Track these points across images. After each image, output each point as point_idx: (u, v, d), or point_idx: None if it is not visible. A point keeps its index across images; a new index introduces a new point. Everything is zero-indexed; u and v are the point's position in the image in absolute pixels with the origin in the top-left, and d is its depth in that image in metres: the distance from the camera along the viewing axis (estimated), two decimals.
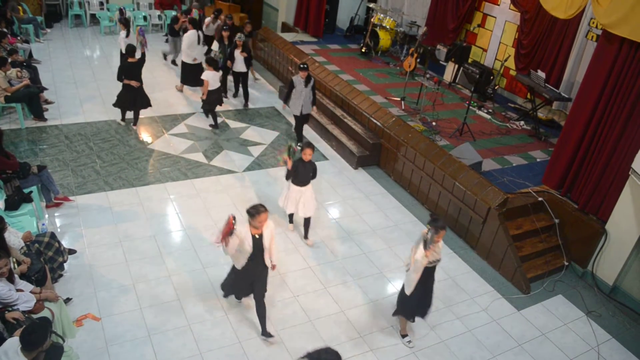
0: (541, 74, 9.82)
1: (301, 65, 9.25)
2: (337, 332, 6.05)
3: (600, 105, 7.33)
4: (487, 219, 7.55)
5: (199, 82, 10.40)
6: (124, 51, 9.80)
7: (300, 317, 6.20)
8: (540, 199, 7.89)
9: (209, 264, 6.79)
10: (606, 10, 6.93)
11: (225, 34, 11.20)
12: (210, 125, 10.45)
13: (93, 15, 15.69)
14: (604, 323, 6.85)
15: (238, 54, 11.02)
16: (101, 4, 15.67)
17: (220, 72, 10.53)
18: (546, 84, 9.78)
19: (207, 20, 12.86)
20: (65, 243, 6.62)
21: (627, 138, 6.99)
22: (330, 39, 14.78)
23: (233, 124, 10.71)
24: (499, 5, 11.88)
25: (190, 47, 11.22)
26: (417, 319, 6.01)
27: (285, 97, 9.64)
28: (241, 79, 11.51)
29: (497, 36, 12.01)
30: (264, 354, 5.63)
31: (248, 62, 11.25)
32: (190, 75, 11.37)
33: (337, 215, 8.23)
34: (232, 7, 15.08)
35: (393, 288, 6.89)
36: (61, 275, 6.21)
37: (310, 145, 6.94)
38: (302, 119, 9.78)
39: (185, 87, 11.85)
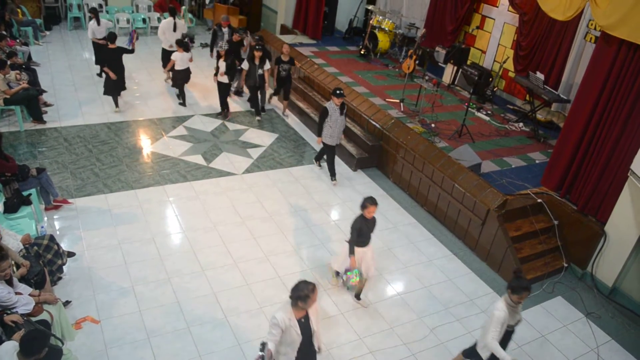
0: (540, 75, 9.83)
1: (337, 92, 8.38)
2: (336, 334, 6.05)
3: (599, 107, 7.34)
4: (487, 221, 7.55)
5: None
6: (91, 37, 11.62)
7: None
8: (539, 200, 7.89)
9: (208, 266, 6.79)
10: (605, 11, 6.94)
11: (257, 53, 10.39)
12: (180, 104, 11.43)
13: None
14: (604, 324, 6.85)
15: (221, 63, 10.47)
16: (100, 6, 15.64)
17: (190, 55, 11.21)
18: (545, 86, 9.79)
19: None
20: (65, 246, 6.61)
21: (626, 139, 7.00)
22: (329, 41, 14.79)
23: (232, 126, 10.72)
24: (497, 7, 11.90)
25: (164, 34, 11.90)
26: None
27: (319, 128, 8.74)
28: (222, 90, 10.78)
29: (495, 38, 12.02)
30: None
31: (230, 72, 10.53)
32: (168, 60, 11.78)
33: (336, 217, 8.23)
34: (231, 9, 15.08)
35: (392, 290, 6.89)
36: (60, 278, 6.20)
37: (374, 202, 5.97)
38: (334, 150, 9.01)
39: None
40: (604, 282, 7.38)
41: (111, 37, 10.15)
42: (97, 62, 10.39)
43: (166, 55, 11.91)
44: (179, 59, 10.87)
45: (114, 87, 10.43)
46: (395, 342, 6.08)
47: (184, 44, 11.01)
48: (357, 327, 6.20)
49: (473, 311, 6.74)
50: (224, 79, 10.60)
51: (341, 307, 6.46)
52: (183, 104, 11.36)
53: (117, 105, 10.62)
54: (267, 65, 10.56)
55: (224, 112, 11.04)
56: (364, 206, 5.99)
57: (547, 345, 6.39)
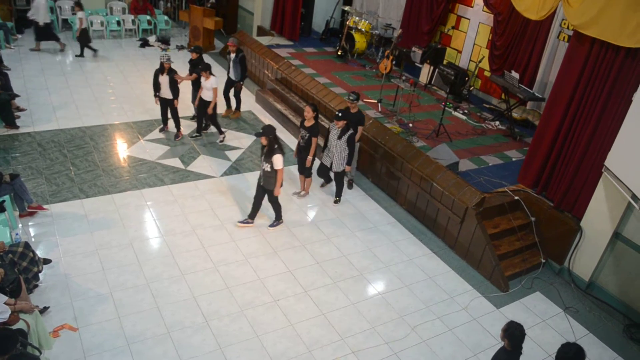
0: (515, 74, 9.96)
1: (337, 113, 7.95)
2: (319, 335, 6.04)
3: (573, 105, 7.46)
4: (465, 219, 7.61)
5: (52, 38, 13.61)
6: None
7: (281, 321, 6.17)
8: (516, 197, 7.98)
9: (187, 270, 6.72)
10: (577, 11, 7.06)
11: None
12: (77, 55, 13.64)
13: (65, 20, 15.45)
14: (582, 318, 6.96)
15: (162, 78, 9.46)
16: (73, 8, 15.41)
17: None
18: (520, 84, 9.92)
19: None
20: (40, 253, 6.49)
21: (600, 136, 7.12)
22: (306, 42, 14.79)
23: (210, 128, 10.63)
24: (472, 7, 12.02)
25: (39, 11, 13.10)
26: None
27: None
28: (168, 106, 9.83)
29: (471, 38, 12.14)
30: None
31: (175, 87, 9.56)
32: (43, 33, 13.47)
33: (316, 219, 8.22)
34: (207, 11, 14.96)
35: (373, 289, 6.90)
36: (36, 286, 6.08)
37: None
38: (327, 172, 8.66)
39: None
40: (581, 276, 7.50)
41: None
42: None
43: (42, 32, 13.34)
44: (84, 17, 13.26)
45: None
46: (377, 341, 6.09)
47: (80, 4, 13.45)
48: (339, 327, 6.20)
49: (454, 309, 6.79)
50: (168, 95, 9.60)
51: (323, 307, 6.46)
52: (81, 55, 13.60)
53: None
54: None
55: (166, 127, 10.23)
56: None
57: (526, 341, 6.43)
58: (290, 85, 11.75)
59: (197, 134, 10.27)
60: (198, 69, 9.83)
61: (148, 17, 15.93)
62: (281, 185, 7.43)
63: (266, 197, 7.64)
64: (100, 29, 15.27)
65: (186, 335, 5.78)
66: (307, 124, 8.15)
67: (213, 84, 9.60)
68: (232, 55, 10.61)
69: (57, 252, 6.71)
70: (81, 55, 13.58)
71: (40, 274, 6.13)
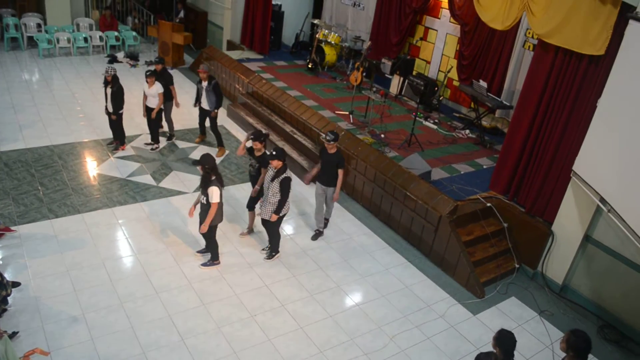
0: (483, 83, 10.13)
1: (272, 152, 6.83)
2: (297, 349, 5.99)
3: (540, 111, 7.61)
4: (439, 227, 7.67)
5: None
6: None
7: (259, 336, 6.10)
8: (488, 204, 8.08)
9: (161, 288, 6.61)
10: (540, 21, 7.23)
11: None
12: None
13: (30, 38, 15.16)
14: (557, 321, 7.05)
15: (108, 91, 9.36)
16: (39, 26, 15.16)
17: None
18: (488, 93, 10.09)
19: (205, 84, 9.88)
20: (9, 276, 6.32)
21: (567, 141, 7.27)
22: (277, 55, 14.83)
23: (181, 144, 10.54)
24: (439, 18, 12.21)
25: None
26: None
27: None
28: (110, 119, 9.75)
29: (439, 48, 12.32)
30: None
31: (115, 100, 9.38)
32: None
33: (290, 232, 8.19)
34: (176, 26, 14.88)
35: (351, 301, 6.89)
36: (5, 310, 5.90)
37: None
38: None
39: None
40: (554, 280, 7.61)
41: None
42: None
43: None
44: None
45: None
46: (356, 353, 6.07)
47: None
48: (318, 340, 6.16)
49: (431, 317, 6.81)
50: (110, 108, 9.49)
51: (300, 321, 6.41)
52: None
53: None
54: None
55: (116, 142, 10.00)
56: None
57: None
58: (261, 99, 11.73)
59: (155, 144, 10.19)
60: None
61: (116, 34, 15.77)
62: (219, 221, 6.86)
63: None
64: (67, 46, 15.04)
65: (162, 354, 5.67)
66: (257, 153, 7.45)
67: (159, 90, 9.58)
68: (205, 84, 9.79)
69: (27, 274, 6.53)
70: None
71: (9, 298, 5.94)
